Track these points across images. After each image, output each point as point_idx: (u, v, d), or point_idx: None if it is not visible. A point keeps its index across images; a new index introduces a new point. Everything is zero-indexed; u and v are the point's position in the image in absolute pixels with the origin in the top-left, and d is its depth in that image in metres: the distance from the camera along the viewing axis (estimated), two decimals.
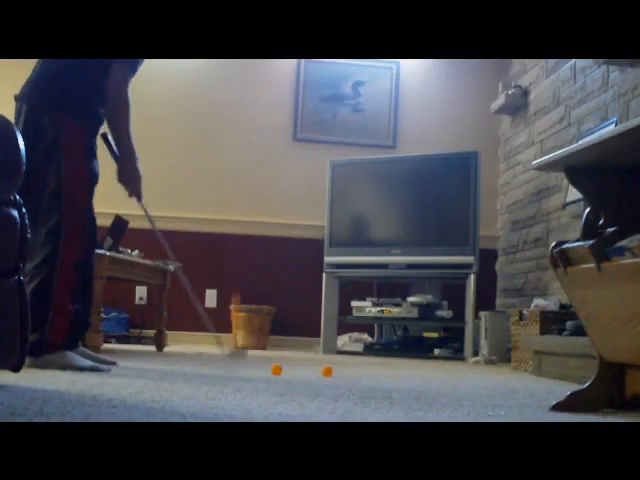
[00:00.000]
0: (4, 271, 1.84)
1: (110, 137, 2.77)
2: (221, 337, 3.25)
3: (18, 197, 1.89)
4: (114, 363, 2.78)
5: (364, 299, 4.88)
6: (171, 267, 4.32)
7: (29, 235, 1.93)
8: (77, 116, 2.62)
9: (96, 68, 2.63)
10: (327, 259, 4.88)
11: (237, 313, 5.04)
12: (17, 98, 2.66)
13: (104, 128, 2.77)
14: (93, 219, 2.69)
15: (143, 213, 2.94)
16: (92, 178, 2.66)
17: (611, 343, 1.92)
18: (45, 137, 2.57)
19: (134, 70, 2.73)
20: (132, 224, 3.99)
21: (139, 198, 2.85)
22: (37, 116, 2.58)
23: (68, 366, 2.49)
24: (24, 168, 1.87)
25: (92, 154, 2.67)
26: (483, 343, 4.54)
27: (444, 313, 4.74)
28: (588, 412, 1.91)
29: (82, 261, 2.63)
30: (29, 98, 2.62)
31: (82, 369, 2.49)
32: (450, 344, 4.75)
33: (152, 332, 4.40)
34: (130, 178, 2.78)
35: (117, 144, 2.75)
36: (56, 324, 2.53)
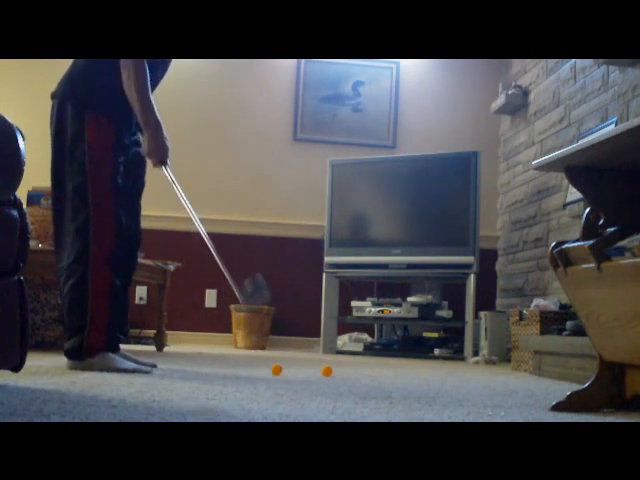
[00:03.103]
0: (4, 271, 1.84)
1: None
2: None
3: (18, 197, 1.89)
4: (154, 365, 2.74)
5: (364, 299, 4.89)
6: (171, 267, 4.33)
7: (29, 235, 1.93)
8: (103, 110, 2.59)
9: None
10: (327, 259, 4.88)
11: (237, 313, 5.05)
12: (52, 96, 2.65)
13: None
14: (128, 217, 2.65)
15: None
16: (118, 172, 2.59)
17: (611, 343, 1.92)
18: (68, 132, 2.55)
19: None
20: None
21: (164, 164, 2.69)
22: (63, 111, 2.57)
23: (110, 368, 2.48)
24: (24, 168, 1.87)
25: (121, 149, 2.63)
26: (483, 343, 4.54)
27: (444, 313, 4.74)
28: (588, 412, 1.91)
29: (116, 258, 2.58)
30: (59, 94, 2.61)
31: (125, 371, 2.48)
32: (450, 344, 4.75)
33: (152, 332, 4.40)
34: (156, 151, 2.64)
35: (140, 120, 2.62)
36: (95, 326, 2.52)
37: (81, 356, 2.50)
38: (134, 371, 2.51)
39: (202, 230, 2.90)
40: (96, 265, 2.52)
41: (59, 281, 2.60)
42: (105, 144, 2.58)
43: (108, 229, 2.56)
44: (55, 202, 2.63)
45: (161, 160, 2.69)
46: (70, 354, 2.53)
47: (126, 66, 2.55)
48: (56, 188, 2.62)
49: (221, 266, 2.96)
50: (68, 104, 2.57)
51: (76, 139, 2.54)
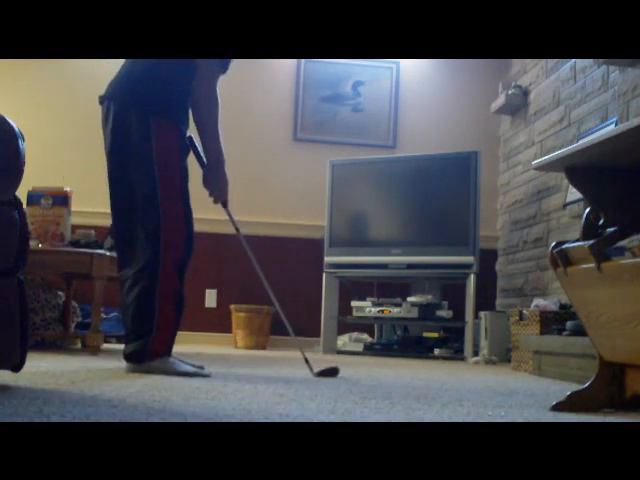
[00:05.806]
0: (4, 271, 1.84)
1: (196, 140, 2.64)
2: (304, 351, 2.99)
3: (18, 197, 1.89)
4: (202, 368, 2.65)
5: (364, 299, 4.88)
6: None
7: (29, 234, 1.93)
8: (169, 114, 2.54)
9: (183, 65, 2.53)
10: (327, 259, 4.88)
11: (237, 313, 5.05)
12: (103, 98, 2.58)
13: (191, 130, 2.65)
14: (191, 221, 2.60)
15: (228, 219, 2.76)
16: (186, 177, 2.57)
17: (611, 343, 1.92)
18: (135, 136, 2.49)
19: (224, 68, 2.61)
20: None
21: (225, 204, 2.75)
22: (127, 115, 2.50)
23: (171, 372, 2.45)
24: (24, 168, 1.87)
25: (185, 152, 2.59)
26: (483, 343, 4.54)
27: (444, 313, 4.74)
28: (588, 412, 1.91)
29: (185, 265, 2.55)
30: (119, 97, 2.54)
31: (186, 374, 2.45)
32: (450, 344, 4.74)
33: None
34: (217, 184, 2.67)
35: (204, 147, 2.62)
36: (161, 333, 2.48)
37: (142, 359, 2.47)
38: (195, 374, 2.47)
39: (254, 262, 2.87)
40: (165, 272, 2.48)
41: (123, 286, 2.54)
42: (172, 149, 2.53)
43: (179, 236, 2.53)
44: (120, 208, 2.57)
45: (223, 198, 2.72)
46: (131, 357, 2.50)
47: (207, 67, 2.53)
48: (122, 194, 2.55)
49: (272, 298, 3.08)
50: (132, 108, 2.50)
51: (143, 145, 2.48)
